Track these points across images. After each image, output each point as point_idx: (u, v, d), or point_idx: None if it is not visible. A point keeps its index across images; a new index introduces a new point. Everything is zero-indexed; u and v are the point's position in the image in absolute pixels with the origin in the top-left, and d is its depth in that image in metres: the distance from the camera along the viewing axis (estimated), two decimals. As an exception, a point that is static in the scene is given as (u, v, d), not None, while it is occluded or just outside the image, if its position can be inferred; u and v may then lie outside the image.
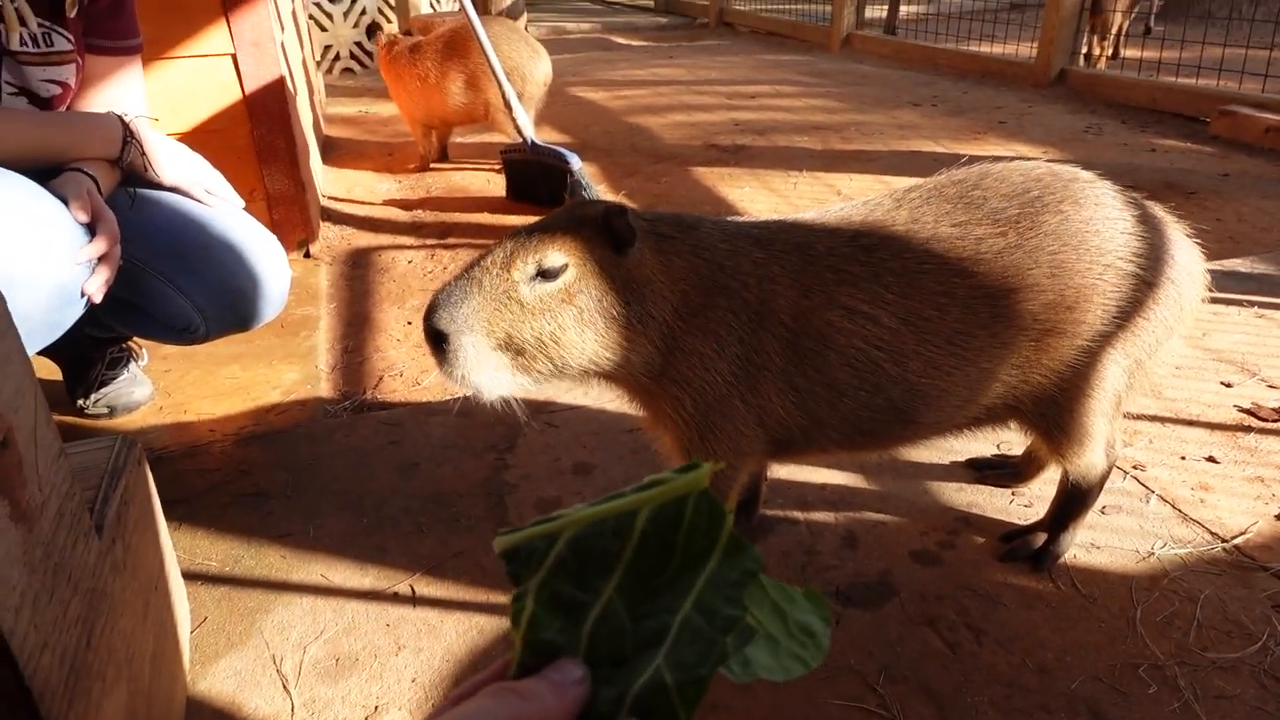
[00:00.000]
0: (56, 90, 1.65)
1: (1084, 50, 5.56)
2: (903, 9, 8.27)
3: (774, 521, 1.71)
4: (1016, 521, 1.68)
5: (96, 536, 1.06)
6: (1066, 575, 1.55)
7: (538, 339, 1.20)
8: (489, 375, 1.22)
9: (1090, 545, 1.61)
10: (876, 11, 7.87)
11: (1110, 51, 5.99)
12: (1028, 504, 1.73)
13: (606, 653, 0.47)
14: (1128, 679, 1.33)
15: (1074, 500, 1.55)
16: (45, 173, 1.53)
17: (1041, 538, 1.60)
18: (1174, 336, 1.42)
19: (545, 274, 1.20)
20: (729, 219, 1.40)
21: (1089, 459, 1.47)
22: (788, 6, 8.62)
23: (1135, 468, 1.82)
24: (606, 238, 1.22)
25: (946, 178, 1.41)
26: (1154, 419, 1.99)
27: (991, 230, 1.32)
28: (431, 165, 4.18)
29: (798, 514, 1.73)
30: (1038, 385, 1.38)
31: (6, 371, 0.87)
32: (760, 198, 3.60)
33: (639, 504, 0.50)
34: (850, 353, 1.29)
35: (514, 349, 1.21)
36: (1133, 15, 6.12)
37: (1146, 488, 1.76)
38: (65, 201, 1.47)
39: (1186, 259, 1.39)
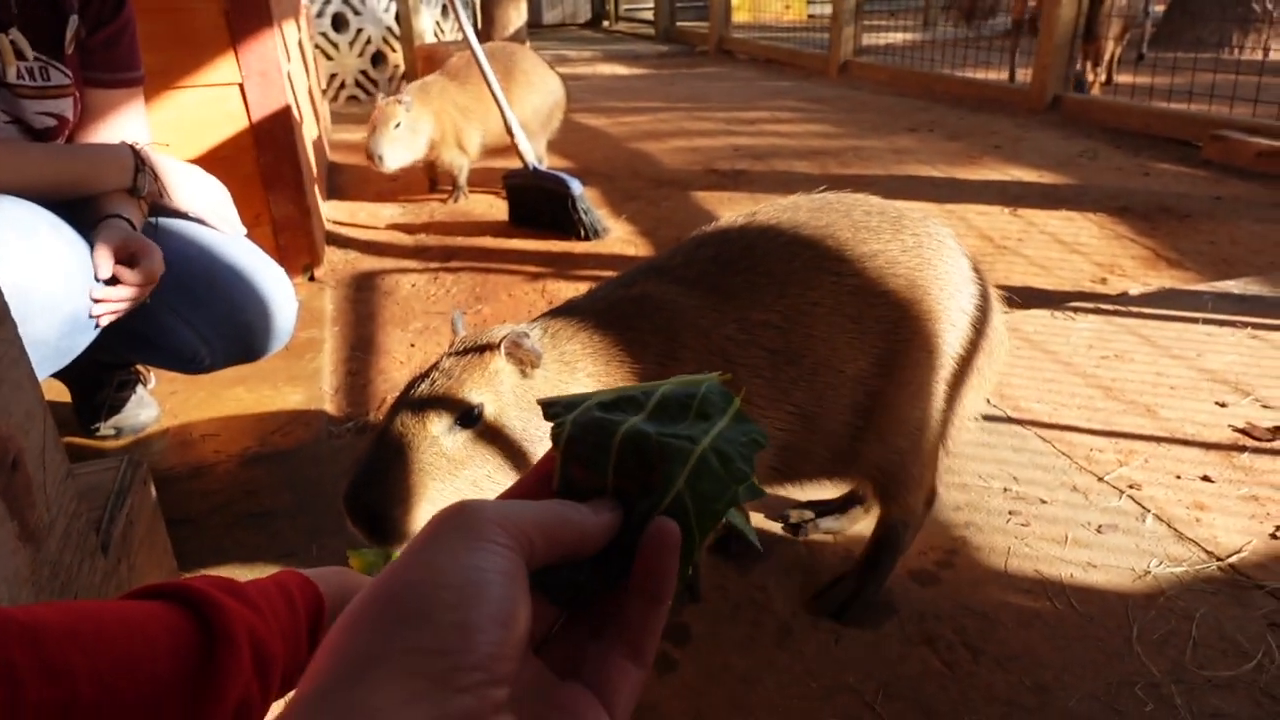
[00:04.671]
0: (52, 123, 1.67)
1: (1077, 76, 5.63)
2: (898, 36, 8.37)
3: (773, 541, 1.72)
4: (1013, 541, 1.70)
5: (103, 556, 1.08)
6: (1064, 594, 1.56)
7: (474, 485, 1.16)
8: None
9: (1087, 564, 1.63)
10: (873, 39, 7.97)
11: (1104, 77, 6.06)
12: (1025, 523, 1.74)
13: (632, 465, 0.51)
14: (1125, 697, 1.34)
15: (888, 547, 1.55)
16: (63, 205, 1.56)
17: (850, 586, 1.56)
18: (981, 393, 1.53)
19: (465, 419, 1.15)
20: (594, 289, 1.44)
21: (913, 502, 1.51)
22: (787, 34, 8.73)
23: (1131, 487, 1.84)
24: (511, 361, 1.20)
25: (802, 196, 1.48)
26: (1149, 439, 2.00)
27: (854, 235, 1.38)
28: (429, 194, 4.25)
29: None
30: (880, 416, 1.40)
31: (18, 396, 0.89)
32: (759, 222, 3.64)
33: (661, 384, 0.56)
34: (754, 362, 1.32)
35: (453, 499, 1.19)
36: (1125, 42, 6.20)
37: (1142, 507, 1.77)
38: (92, 245, 1.51)
39: (1001, 321, 1.52)
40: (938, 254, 1.41)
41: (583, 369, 1.26)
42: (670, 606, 0.48)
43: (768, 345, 1.32)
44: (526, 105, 3.99)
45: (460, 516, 0.42)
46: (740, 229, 1.41)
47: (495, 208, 3.98)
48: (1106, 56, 5.93)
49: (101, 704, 0.55)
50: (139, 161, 1.71)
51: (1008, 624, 1.50)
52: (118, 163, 1.68)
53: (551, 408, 0.54)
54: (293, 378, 2.48)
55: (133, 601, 0.63)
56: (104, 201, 1.65)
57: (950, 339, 1.41)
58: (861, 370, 1.36)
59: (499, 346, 1.18)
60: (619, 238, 3.54)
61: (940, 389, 1.43)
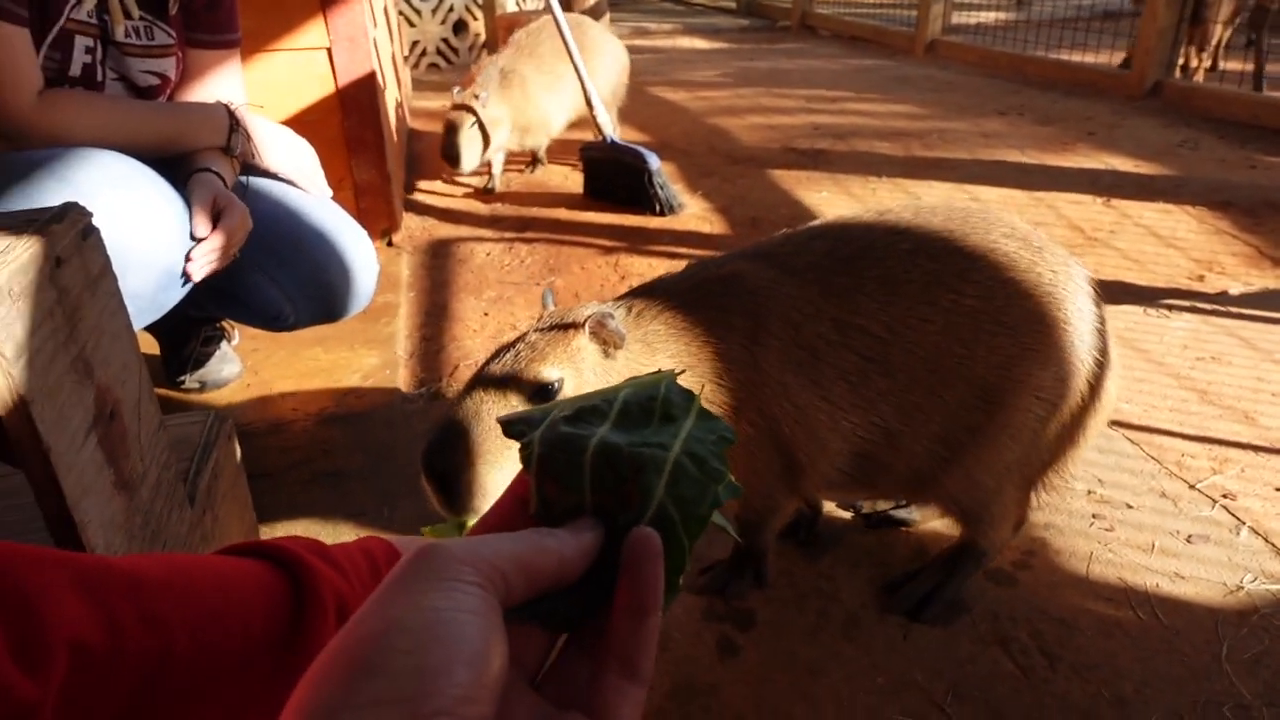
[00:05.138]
0: (155, 81, 1.72)
1: (1180, 61, 5.34)
2: (989, 14, 8.08)
3: (843, 531, 1.69)
4: (1096, 545, 1.63)
5: (189, 507, 1.11)
6: (1148, 604, 1.49)
7: None
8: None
9: (1175, 575, 1.56)
10: (962, 18, 7.70)
11: (1209, 63, 5.74)
12: (1109, 528, 1.68)
13: (609, 480, 0.50)
14: (1211, 717, 1.28)
15: (969, 558, 1.49)
16: (160, 160, 1.60)
17: (925, 583, 1.51)
18: (1081, 447, 1.44)
19: (543, 392, 1.16)
20: (684, 269, 1.41)
21: (995, 536, 1.46)
22: (872, 11, 8.49)
23: (1225, 496, 1.75)
24: (595, 341, 1.21)
25: (940, 203, 1.43)
26: (1247, 447, 1.90)
27: (987, 255, 1.30)
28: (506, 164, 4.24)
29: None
30: (971, 451, 1.34)
31: (116, 348, 0.91)
32: (839, 202, 3.56)
33: (619, 389, 0.55)
34: (843, 366, 1.27)
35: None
36: (1234, 26, 5.86)
37: (1237, 518, 1.69)
38: (189, 202, 1.54)
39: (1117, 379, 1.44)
40: (1073, 296, 1.33)
41: (664, 349, 1.25)
42: (660, 618, 0.47)
43: (863, 352, 1.27)
44: (598, 76, 3.94)
45: (424, 559, 0.41)
46: (862, 225, 1.36)
47: (571, 179, 3.98)
48: (1214, 41, 5.62)
49: (195, 656, 0.56)
50: (234, 121, 1.75)
51: (1087, 631, 1.45)
52: (214, 121, 1.72)
53: (514, 426, 0.53)
54: (369, 341, 2.52)
55: (227, 558, 0.64)
56: (198, 157, 1.69)
57: (1067, 388, 1.33)
58: (961, 400, 1.30)
59: (584, 325, 1.19)
60: (694, 214, 3.50)
61: (1043, 437, 1.35)
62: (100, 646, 0.50)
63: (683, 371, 0.58)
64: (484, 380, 1.18)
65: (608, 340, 1.20)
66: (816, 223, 1.43)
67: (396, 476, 1.88)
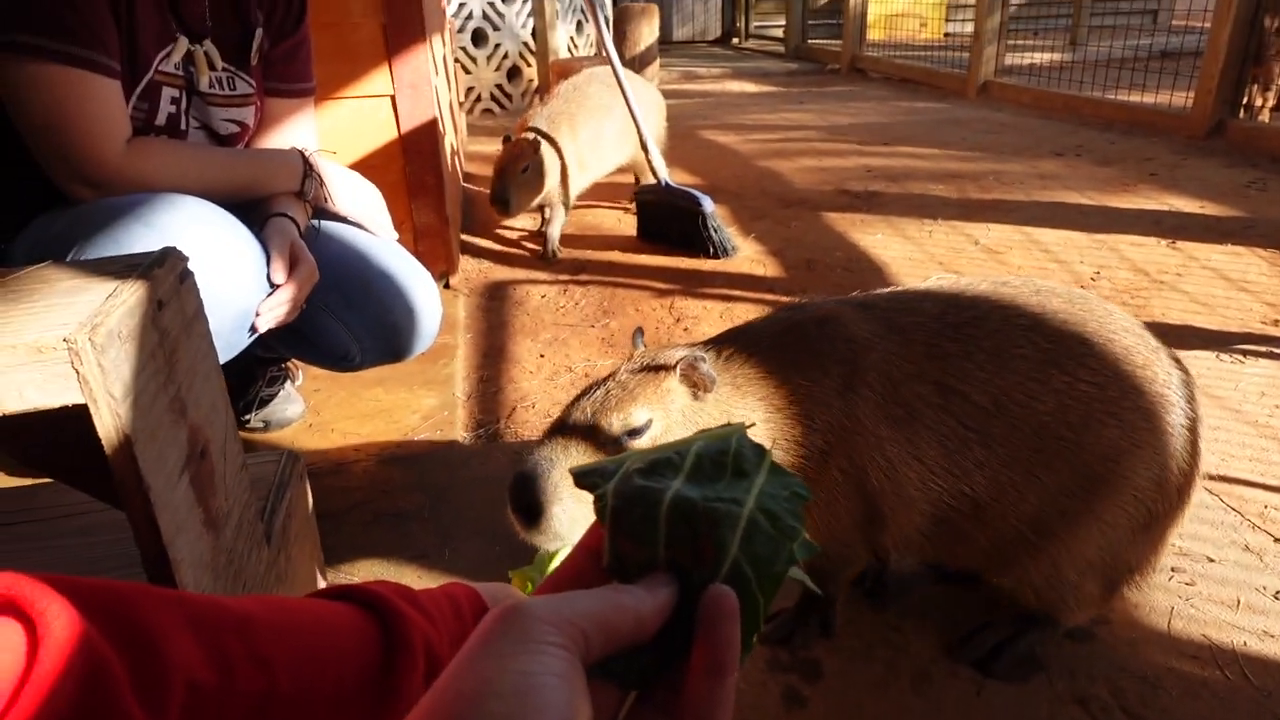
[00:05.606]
0: (235, 129, 1.78)
1: (1245, 100, 5.25)
2: (1042, 56, 8.04)
3: (912, 581, 1.65)
4: (1177, 600, 1.57)
5: (266, 546, 1.12)
6: (1235, 663, 1.43)
7: None
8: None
9: (1263, 632, 1.49)
10: (1015, 59, 7.67)
11: (1273, 102, 5.63)
12: (1189, 582, 1.61)
13: (683, 535, 0.49)
14: (1311, 785, 1.21)
15: (1042, 625, 1.45)
16: (238, 204, 1.65)
17: (998, 636, 1.47)
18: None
19: (632, 433, 1.18)
20: (772, 313, 1.41)
21: (1071, 619, 1.43)
22: (922, 53, 8.51)
23: (1314, 552, 1.68)
24: (685, 384, 1.22)
25: (1059, 285, 1.40)
26: (1335, 499, 1.83)
27: (1105, 344, 1.28)
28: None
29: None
30: (1058, 539, 1.31)
31: (206, 389, 0.94)
32: (894, 245, 3.54)
33: (691, 440, 0.55)
34: (941, 430, 1.25)
35: None
36: (1301, 65, 5.75)
37: (1328, 575, 1.62)
38: (267, 248, 1.60)
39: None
40: (1181, 403, 1.32)
41: (754, 392, 1.25)
42: (735, 677, 0.47)
43: (965, 420, 1.26)
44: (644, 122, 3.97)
45: (511, 619, 0.41)
46: (977, 296, 1.35)
47: (624, 222, 4.02)
48: (1277, 80, 5.52)
49: (296, 698, 0.56)
50: (308, 167, 1.80)
51: (1171, 691, 1.39)
52: (289, 167, 1.78)
53: (587, 477, 0.53)
54: (428, 382, 2.55)
55: (323, 601, 0.64)
56: (273, 201, 1.74)
57: (1162, 494, 1.31)
58: (1061, 484, 1.27)
59: (675, 368, 1.20)
60: (747, 256, 3.51)
61: (1132, 539, 1.33)
62: (211, 685, 0.51)
63: (752, 425, 0.58)
64: (573, 417, 1.20)
65: (698, 383, 1.21)
66: (927, 284, 1.42)
67: (456, 518, 1.89)
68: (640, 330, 1.37)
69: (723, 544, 0.48)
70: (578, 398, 1.24)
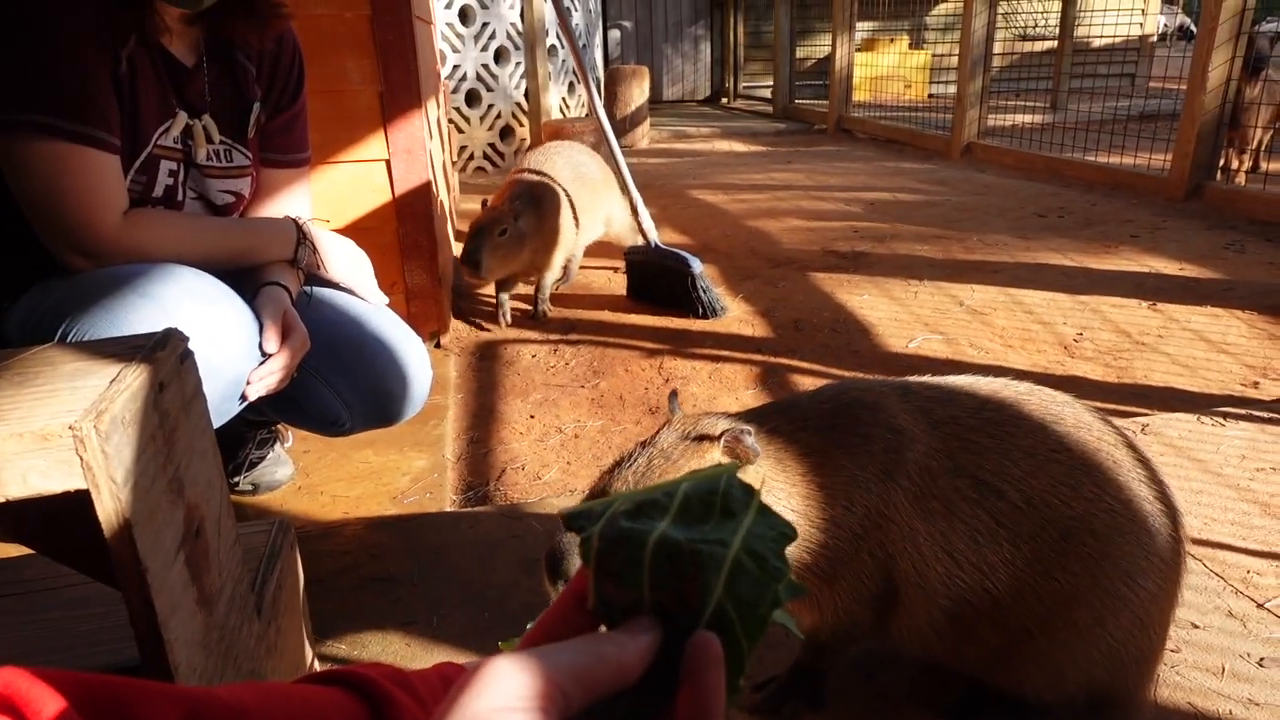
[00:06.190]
0: (231, 199, 1.82)
1: (1221, 163, 5.39)
2: (1024, 117, 8.24)
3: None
4: (1163, 668, 1.58)
5: (257, 618, 1.12)
6: (1223, 733, 1.43)
7: None
8: None
9: (1249, 700, 1.49)
10: (997, 120, 7.87)
11: (1249, 165, 5.79)
12: (1174, 649, 1.62)
13: (668, 577, 0.49)
14: None
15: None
16: (230, 271, 1.68)
17: (988, 698, 1.46)
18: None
19: None
20: (816, 390, 1.44)
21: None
22: (907, 114, 8.72)
23: (1298, 618, 1.69)
24: (728, 455, 1.23)
25: (1087, 404, 1.44)
26: (1317, 564, 1.85)
27: (1128, 464, 1.33)
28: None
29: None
30: (1074, 644, 1.33)
31: (202, 465, 0.95)
32: (880, 305, 3.60)
33: (679, 481, 0.55)
34: (975, 525, 1.27)
35: None
36: (1273, 130, 5.92)
37: (1312, 641, 1.63)
38: (259, 317, 1.63)
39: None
40: (1184, 542, 1.37)
41: (795, 469, 1.26)
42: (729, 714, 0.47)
43: (998, 517, 1.28)
44: (613, 202, 3.98)
45: (485, 683, 0.41)
46: (1017, 395, 1.38)
47: (614, 282, 4.07)
48: (1253, 145, 5.68)
49: None
50: (301, 235, 1.83)
51: (1160, 762, 1.39)
52: (283, 236, 1.81)
53: (576, 520, 0.53)
54: (418, 443, 2.56)
55: (314, 686, 0.65)
56: (266, 269, 1.77)
57: (1161, 630, 1.37)
58: (1075, 588, 1.29)
59: (719, 439, 1.21)
60: (736, 317, 3.56)
61: (1132, 664, 1.36)
62: None
63: (743, 466, 0.59)
64: (614, 486, 1.20)
65: (741, 456, 1.21)
66: (965, 379, 1.44)
67: (445, 582, 1.88)
68: (675, 393, 1.38)
69: (707, 586, 0.48)
70: (617, 464, 1.24)
